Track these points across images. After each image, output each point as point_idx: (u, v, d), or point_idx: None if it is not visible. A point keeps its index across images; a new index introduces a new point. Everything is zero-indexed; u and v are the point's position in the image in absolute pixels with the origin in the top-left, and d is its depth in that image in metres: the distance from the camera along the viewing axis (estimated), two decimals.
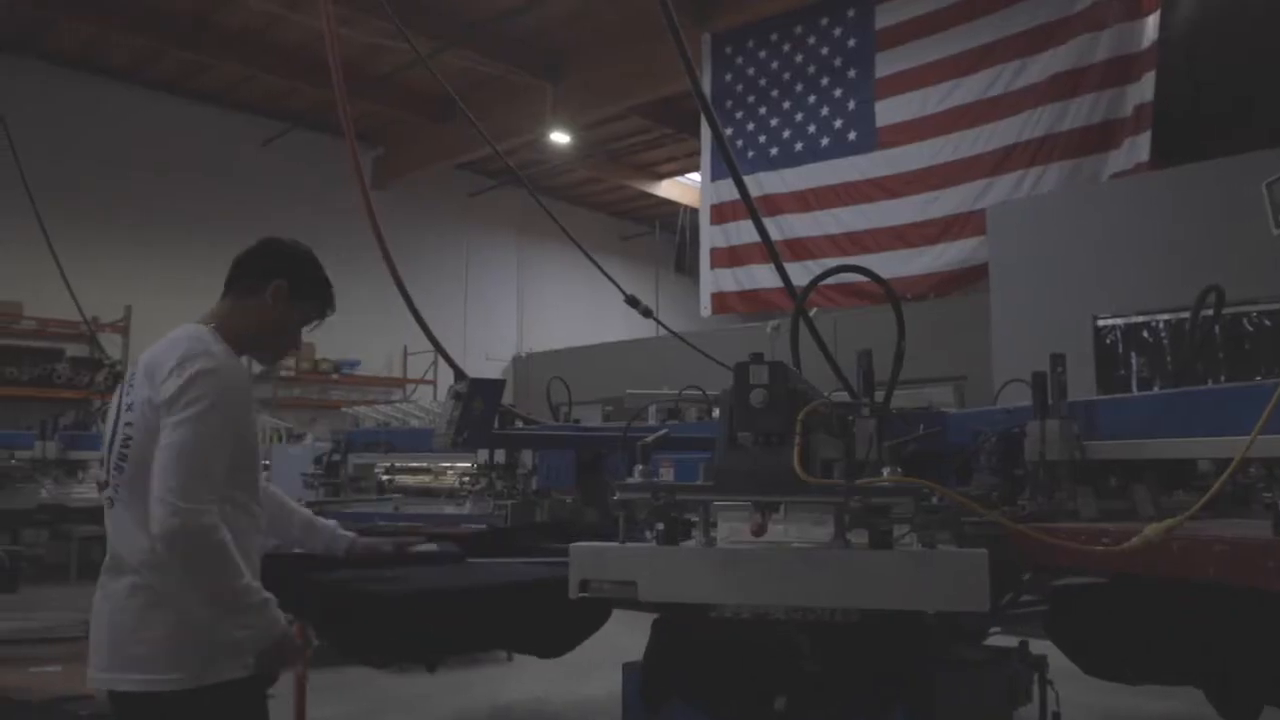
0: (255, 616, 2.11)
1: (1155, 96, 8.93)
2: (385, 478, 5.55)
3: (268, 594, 2.15)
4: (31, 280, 10.31)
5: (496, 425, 3.30)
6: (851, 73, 11.48)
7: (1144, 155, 9.00)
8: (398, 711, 5.82)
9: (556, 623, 2.83)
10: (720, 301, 12.62)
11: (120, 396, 2.26)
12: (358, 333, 15.42)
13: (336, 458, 4.99)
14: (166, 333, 2.33)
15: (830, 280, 11.64)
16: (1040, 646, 3.44)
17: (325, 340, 15.41)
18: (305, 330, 2.56)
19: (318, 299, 2.54)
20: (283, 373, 15.13)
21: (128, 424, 2.17)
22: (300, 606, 2.89)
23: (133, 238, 13.26)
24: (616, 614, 8.46)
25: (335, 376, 15.72)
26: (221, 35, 12.65)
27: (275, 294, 2.42)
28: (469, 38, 12.08)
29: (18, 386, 11.72)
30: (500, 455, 3.60)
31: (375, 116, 14.20)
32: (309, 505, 4.33)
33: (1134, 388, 7.66)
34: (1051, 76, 9.76)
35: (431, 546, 3.12)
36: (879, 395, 2.45)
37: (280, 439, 11.97)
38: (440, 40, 11.43)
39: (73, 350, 12.54)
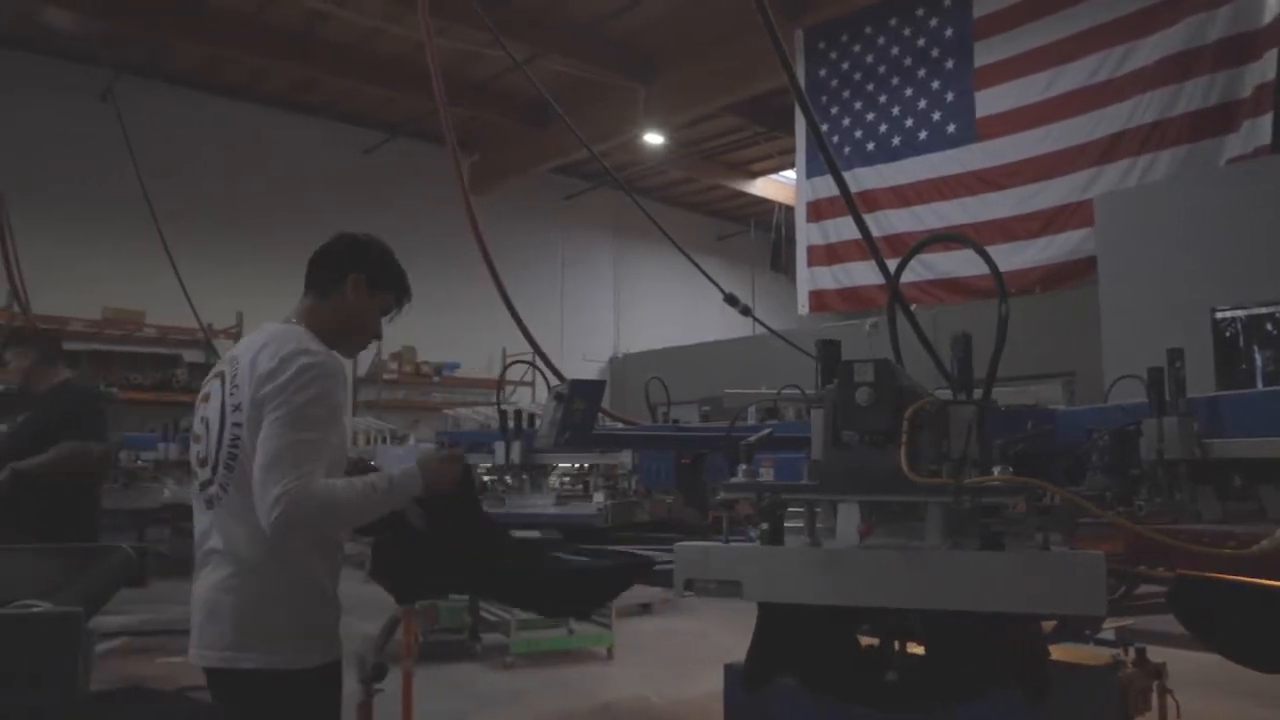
0: (398, 493, 2.30)
1: (1278, 75, 8.51)
2: (487, 479, 5.65)
3: (377, 475, 2.31)
4: (152, 290, 10.83)
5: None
6: (949, 63, 11.24)
7: (1265, 138, 8.58)
8: (500, 708, 5.92)
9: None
10: (818, 300, 12.49)
11: (223, 395, 2.32)
12: (458, 335, 15.78)
13: None
14: None
15: (929, 275, 11.38)
16: (1158, 654, 3.33)
17: (426, 343, 15.80)
18: (384, 320, 2.65)
19: (395, 288, 2.60)
20: (385, 376, 15.55)
21: (235, 424, 2.25)
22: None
23: (243, 247, 13.80)
24: (717, 614, 8.45)
25: (436, 379, 16.07)
26: (325, 50, 13.08)
27: (354, 286, 2.50)
28: (562, 43, 12.23)
29: (141, 391, 12.29)
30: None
31: (471, 122, 14.48)
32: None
33: (1259, 383, 7.31)
34: (1160, 59, 9.38)
35: (534, 534, 3.20)
36: (978, 390, 2.39)
37: (384, 440, 12.29)
38: (534, 46, 11.60)
39: (189, 356, 13.13)
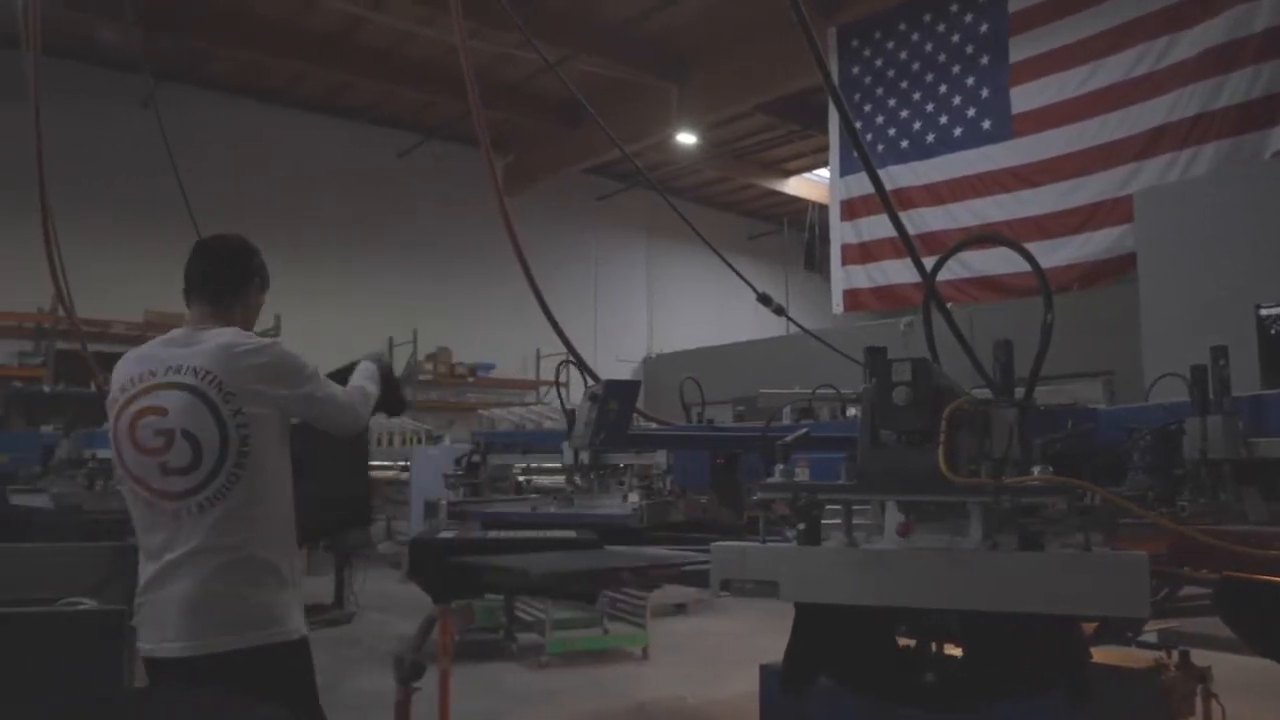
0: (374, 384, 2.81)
1: None
2: (522, 478, 5.68)
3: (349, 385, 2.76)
4: None
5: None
6: (984, 59, 11.13)
7: None
8: (536, 707, 5.95)
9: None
10: (853, 298, 12.42)
11: (213, 405, 2.39)
12: (492, 336, 15.87)
13: (477, 459, 5.12)
14: (313, 339, 2.60)
15: (965, 273, 11.28)
16: (1202, 657, 3.27)
17: (461, 344, 15.90)
18: (323, 338, 2.92)
19: (265, 285, 2.78)
20: (421, 377, 15.66)
21: (242, 427, 2.39)
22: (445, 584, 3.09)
23: (281, 250, 13.77)
24: (752, 614, 8.42)
25: (471, 379, 16.16)
26: (361, 54, 13.21)
27: (257, 291, 2.72)
28: (594, 43, 12.26)
29: None
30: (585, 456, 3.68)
31: (504, 124, 14.55)
32: (450, 505, 4.48)
33: None
34: (1203, 52, 9.22)
35: (571, 533, 3.22)
36: (1019, 391, 2.36)
37: (419, 440, 12.37)
38: (566, 47, 11.63)
39: None
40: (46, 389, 12.13)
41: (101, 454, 6.42)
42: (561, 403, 4.33)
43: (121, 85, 12.31)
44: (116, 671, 2.49)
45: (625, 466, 4.08)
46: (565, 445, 4.00)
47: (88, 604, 2.77)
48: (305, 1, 11.73)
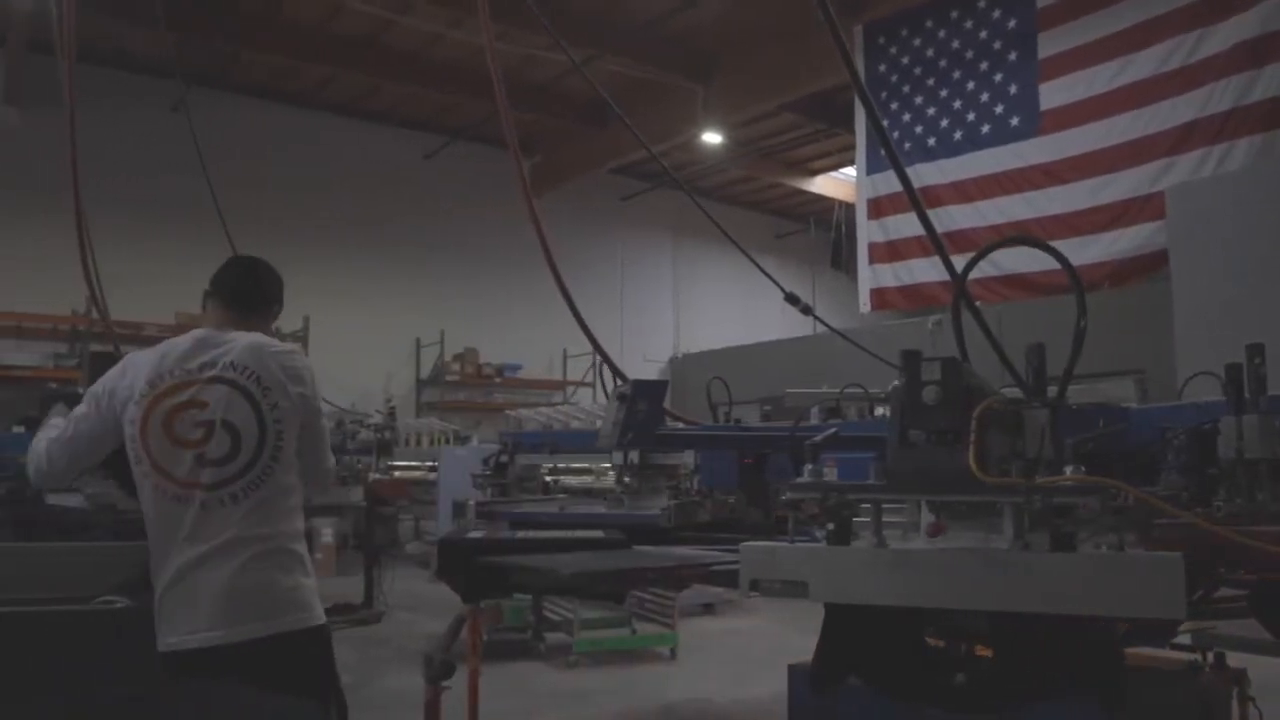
0: None
1: None
2: (550, 479, 5.69)
3: None
4: None
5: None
6: (1012, 55, 11.04)
7: None
8: (565, 707, 5.96)
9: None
10: (880, 297, 12.36)
11: (253, 400, 2.51)
12: (518, 336, 15.93)
13: (505, 459, 5.14)
14: (341, 340, 2.72)
15: (994, 271, 11.21)
16: (1238, 660, 3.23)
17: (488, 344, 15.97)
18: (351, 339, 3.04)
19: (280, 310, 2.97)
20: (448, 377, 15.75)
21: (277, 421, 2.52)
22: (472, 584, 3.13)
23: (309, 252, 14.06)
24: (779, 614, 8.41)
25: (498, 380, 16.22)
26: (387, 57, 13.31)
27: (274, 317, 2.89)
28: (619, 44, 12.27)
29: None
30: (635, 455, 3.64)
31: (530, 125, 14.59)
32: (478, 505, 4.49)
33: None
34: (1235, 45, 9.10)
35: (598, 534, 3.23)
36: (1051, 391, 2.34)
37: (447, 441, 12.44)
38: (592, 48, 11.66)
39: None
40: (80, 390, 12.26)
41: None
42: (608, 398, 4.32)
43: (152, 90, 12.47)
44: (151, 669, 2.52)
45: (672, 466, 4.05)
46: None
47: (122, 602, 2.81)
48: (333, 6, 11.83)
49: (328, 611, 2.65)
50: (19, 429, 8.88)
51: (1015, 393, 2.14)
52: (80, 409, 2.64)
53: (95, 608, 2.77)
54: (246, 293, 2.78)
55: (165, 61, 9.65)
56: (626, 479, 3.68)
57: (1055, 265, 2.17)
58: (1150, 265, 9.57)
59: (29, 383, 12.33)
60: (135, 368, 2.59)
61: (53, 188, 7.66)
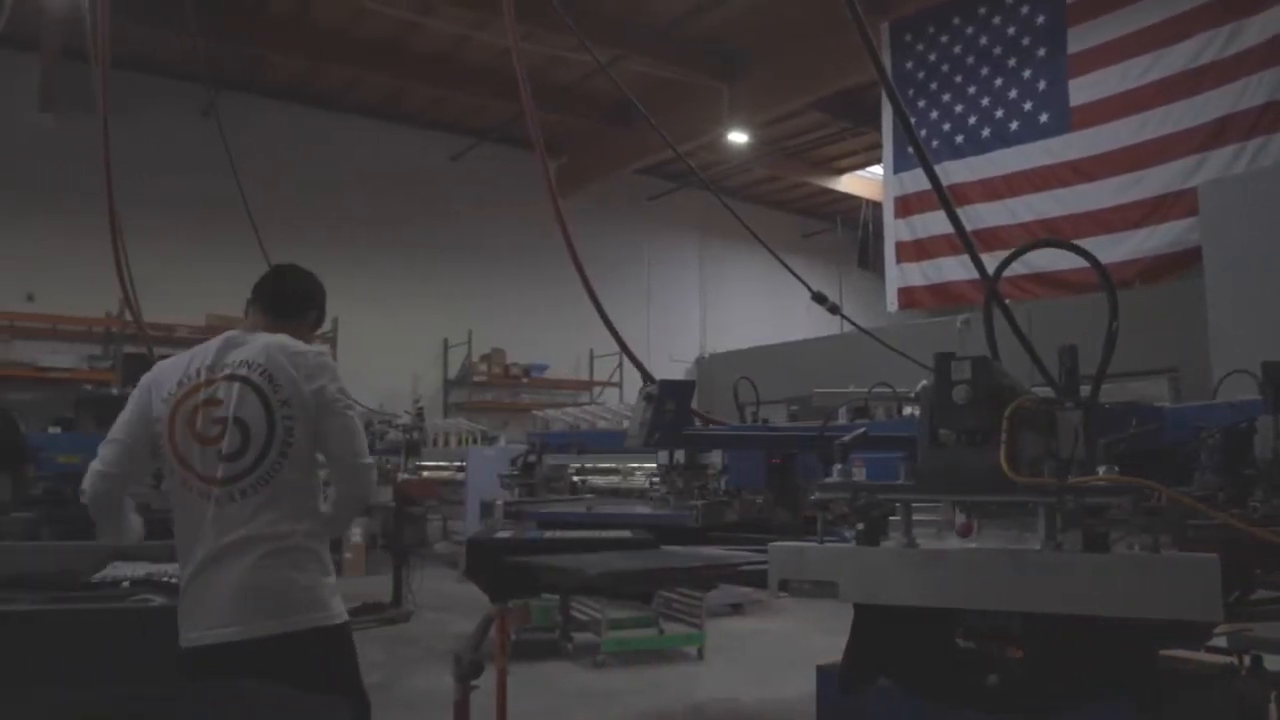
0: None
1: None
2: (577, 479, 5.71)
3: None
4: None
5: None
6: (1041, 51, 10.92)
7: None
8: (593, 707, 5.96)
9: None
10: (908, 296, 12.26)
11: (263, 396, 2.55)
12: (545, 337, 15.97)
13: (532, 459, 5.16)
14: (370, 341, 2.73)
15: (1024, 269, 11.12)
16: (1276, 664, 3.18)
17: (515, 345, 16.02)
18: (379, 339, 3.00)
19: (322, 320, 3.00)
20: (476, 378, 15.82)
21: (288, 418, 2.53)
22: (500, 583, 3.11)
23: (337, 254, 14.15)
24: (807, 615, 8.35)
25: (525, 380, 16.27)
26: (413, 59, 13.38)
27: (313, 324, 2.92)
28: (644, 44, 12.27)
29: None
30: (681, 455, 3.61)
31: (556, 126, 14.62)
32: (506, 505, 4.51)
33: None
34: (1271, 38, 8.95)
35: (626, 533, 3.23)
36: (1084, 391, 2.32)
37: (474, 441, 12.50)
38: (617, 48, 11.66)
39: None
40: (115, 391, 12.45)
41: None
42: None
43: (182, 94, 12.63)
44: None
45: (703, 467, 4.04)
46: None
47: (157, 600, 2.84)
48: (358, 9, 11.91)
49: (356, 610, 2.68)
50: (55, 429, 9.02)
51: (1046, 392, 2.12)
52: (122, 415, 2.69)
53: (131, 605, 2.80)
54: (280, 298, 2.83)
55: (195, 66, 9.75)
56: (676, 479, 3.66)
57: (1086, 263, 2.15)
58: (1183, 262, 9.44)
59: (65, 384, 12.53)
60: (167, 369, 2.66)
61: (86, 191, 7.78)
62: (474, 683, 3.49)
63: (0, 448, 5.42)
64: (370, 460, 2.70)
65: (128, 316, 10.65)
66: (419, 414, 11.89)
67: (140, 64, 12.81)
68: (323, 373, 2.62)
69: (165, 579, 3.00)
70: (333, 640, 2.52)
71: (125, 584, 3.02)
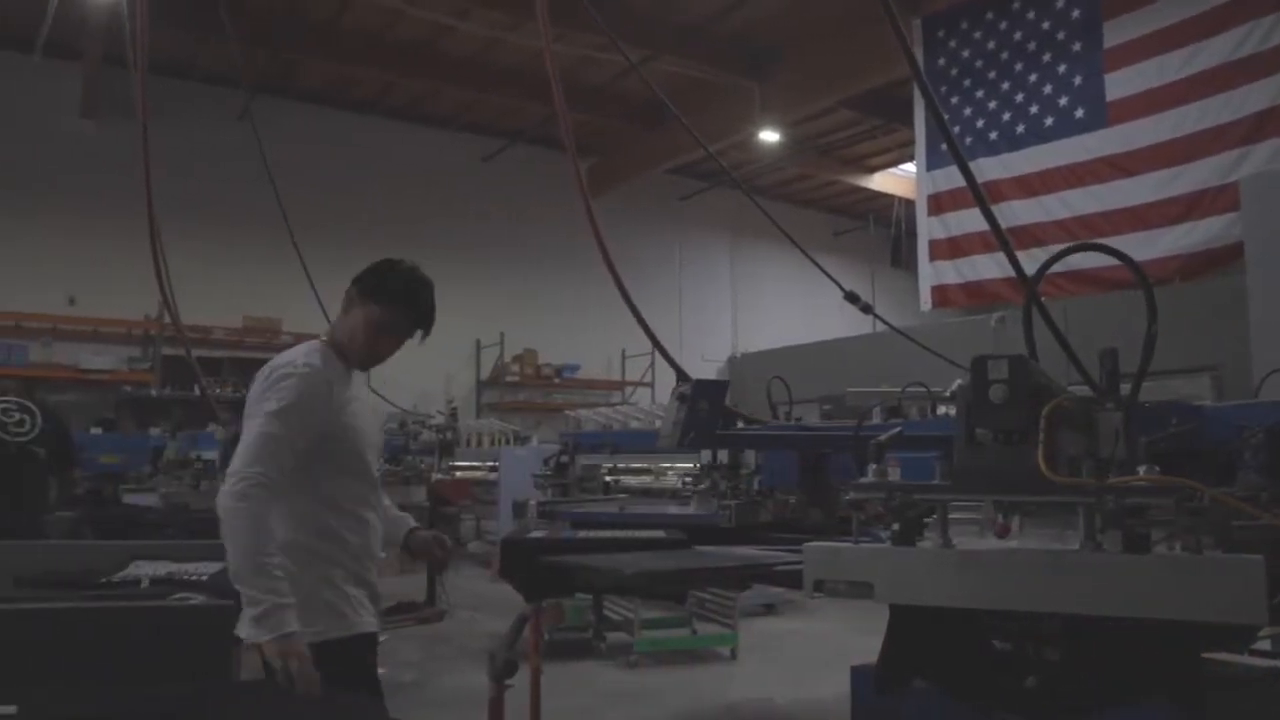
0: (258, 615, 2.32)
1: None
2: (610, 479, 5.72)
3: (286, 598, 2.35)
4: (288, 298, 11.35)
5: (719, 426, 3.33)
6: (1076, 46, 10.78)
7: None
8: (626, 706, 5.97)
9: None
10: (941, 295, 12.15)
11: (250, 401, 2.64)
12: (577, 337, 16.01)
13: (565, 459, 5.17)
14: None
15: (1060, 268, 10.98)
16: None
17: (547, 345, 16.08)
18: (411, 341, 2.85)
19: (386, 302, 2.74)
20: (508, 378, 15.89)
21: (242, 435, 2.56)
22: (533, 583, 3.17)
23: (371, 255, 14.21)
24: (840, 615, 8.31)
25: (557, 380, 16.32)
26: (445, 62, 13.46)
27: (348, 299, 2.78)
28: (675, 43, 12.27)
29: None
30: (723, 455, 3.61)
31: (587, 126, 14.65)
32: (539, 505, 4.53)
33: None
34: None
35: (659, 533, 3.23)
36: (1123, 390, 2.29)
37: (507, 441, 12.55)
38: (648, 48, 11.67)
39: None
40: (154, 393, 12.66)
41: (206, 455, 6.67)
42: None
43: (219, 99, 12.79)
44: (225, 665, 2.58)
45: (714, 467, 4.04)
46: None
47: (197, 599, 2.88)
48: (392, 12, 12.00)
49: (391, 610, 2.70)
50: (96, 430, 9.17)
51: (1084, 391, 2.09)
52: None
53: (172, 604, 2.84)
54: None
55: (231, 71, 9.87)
56: (721, 480, 3.65)
57: (1124, 253, 2.13)
58: (1223, 258, 9.28)
59: (105, 385, 12.75)
60: None
61: (125, 195, 7.91)
62: (508, 682, 3.50)
63: (50, 453, 5.53)
64: (237, 469, 2.42)
65: (166, 319, 10.82)
66: (452, 414, 11.98)
67: (178, 70, 13.01)
68: (265, 381, 2.61)
69: (186, 577, 3.04)
70: (346, 651, 2.55)
71: (145, 583, 3.05)
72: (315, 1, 12.11)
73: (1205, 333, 8.68)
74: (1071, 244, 10.01)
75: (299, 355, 2.68)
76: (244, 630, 2.40)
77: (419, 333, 2.80)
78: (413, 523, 3.04)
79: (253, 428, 2.49)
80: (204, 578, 3.04)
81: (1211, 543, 1.76)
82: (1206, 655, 2.17)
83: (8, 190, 12.41)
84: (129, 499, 6.60)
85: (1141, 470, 1.72)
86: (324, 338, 2.79)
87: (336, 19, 12.48)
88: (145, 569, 3.17)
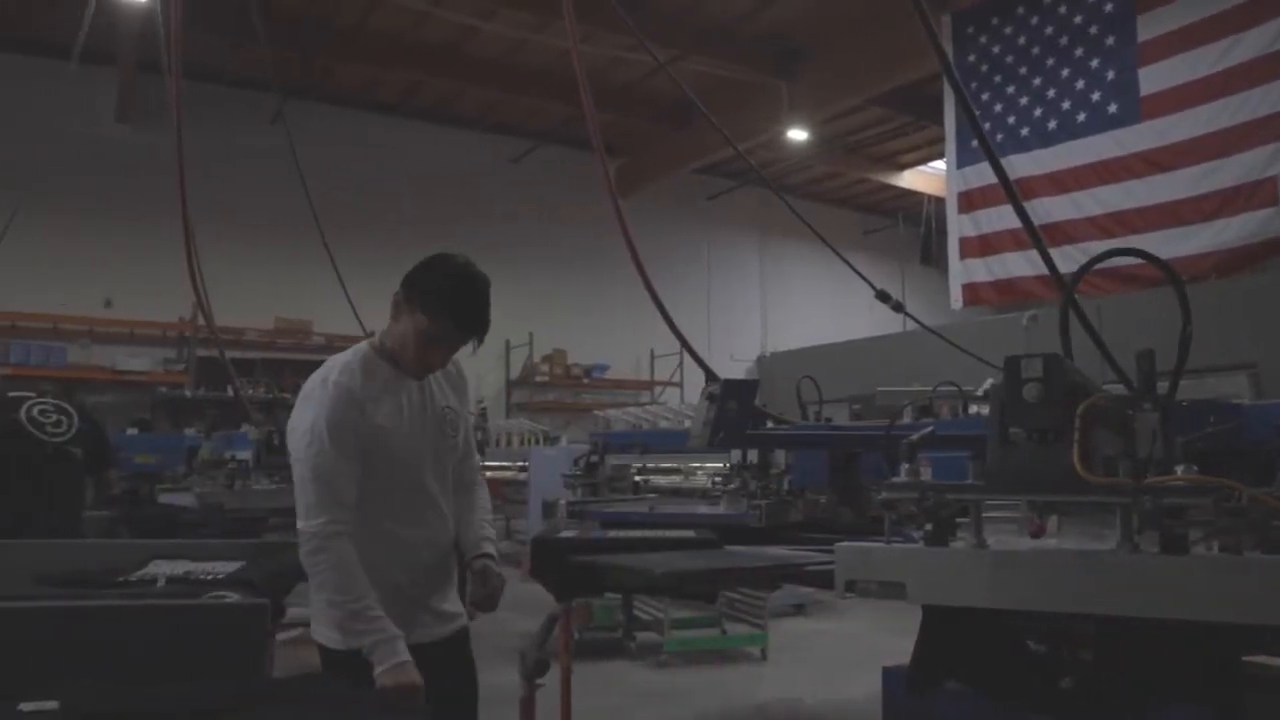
0: (365, 643, 2.39)
1: None
2: (639, 478, 5.72)
3: (388, 631, 2.39)
4: (319, 299, 11.45)
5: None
6: (1109, 40, 10.65)
7: None
8: (656, 706, 5.97)
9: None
10: (972, 293, 12.04)
11: None
12: (606, 337, 16.02)
13: (595, 459, 5.19)
14: None
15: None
16: None
17: (576, 345, 16.11)
18: (465, 350, 2.66)
19: (430, 312, 2.52)
20: (537, 378, 15.94)
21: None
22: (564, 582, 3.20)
23: (401, 258, 14.31)
24: (870, 615, 8.27)
25: (586, 380, 16.35)
26: (472, 63, 13.51)
27: (395, 305, 2.59)
28: (703, 43, 12.25)
29: None
30: (753, 455, 3.61)
31: (615, 126, 14.65)
32: (569, 505, 4.55)
33: None
34: None
35: (689, 533, 3.23)
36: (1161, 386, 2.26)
37: (537, 441, 12.59)
38: (675, 48, 11.66)
39: None
40: (188, 393, 12.81)
41: (240, 455, 6.74)
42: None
43: (251, 103, 12.92)
44: (259, 664, 2.60)
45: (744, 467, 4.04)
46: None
47: (232, 597, 2.91)
48: (419, 14, 12.07)
49: None
50: (133, 430, 9.29)
51: (1119, 390, 2.07)
52: None
53: (206, 602, 2.87)
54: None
55: (262, 76, 9.97)
56: (752, 480, 3.64)
57: (1161, 257, 2.10)
58: (1261, 254, 9.14)
59: (142, 386, 12.92)
60: None
61: (160, 199, 8.00)
62: (539, 680, 3.51)
63: (87, 453, 5.61)
64: (301, 528, 2.40)
65: (200, 321, 10.94)
66: (482, 414, 12.03)
67: (211, 75, 13.14)
68: (296, 408, 2.55)
69: (203, 576, 3.08)
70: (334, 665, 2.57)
71: (161, 581, 3.08)
72: (343, 5, 12.20)
73: (1242, 330, 8.56)
74: (1107, 250, 9.87)
75: (333, 370, 2.54)
76: (320, 634, 2.53)
77: (473, 342, 2.62)
78: (485, 549, 2.95)
79: (297, 472, 2.45)
80: (220, 576, 3.07)
81: (1251, 543, 1.74)
82: (1245, 658, 2.14)
83: (46, 195, 12.58)
84: (165, 499, 6.67)
85: (1179, 470, 1.70)
86: (374, 343, 2.65)
87: (364, 21, 12.57)
88: (164, 568, 3.20)
